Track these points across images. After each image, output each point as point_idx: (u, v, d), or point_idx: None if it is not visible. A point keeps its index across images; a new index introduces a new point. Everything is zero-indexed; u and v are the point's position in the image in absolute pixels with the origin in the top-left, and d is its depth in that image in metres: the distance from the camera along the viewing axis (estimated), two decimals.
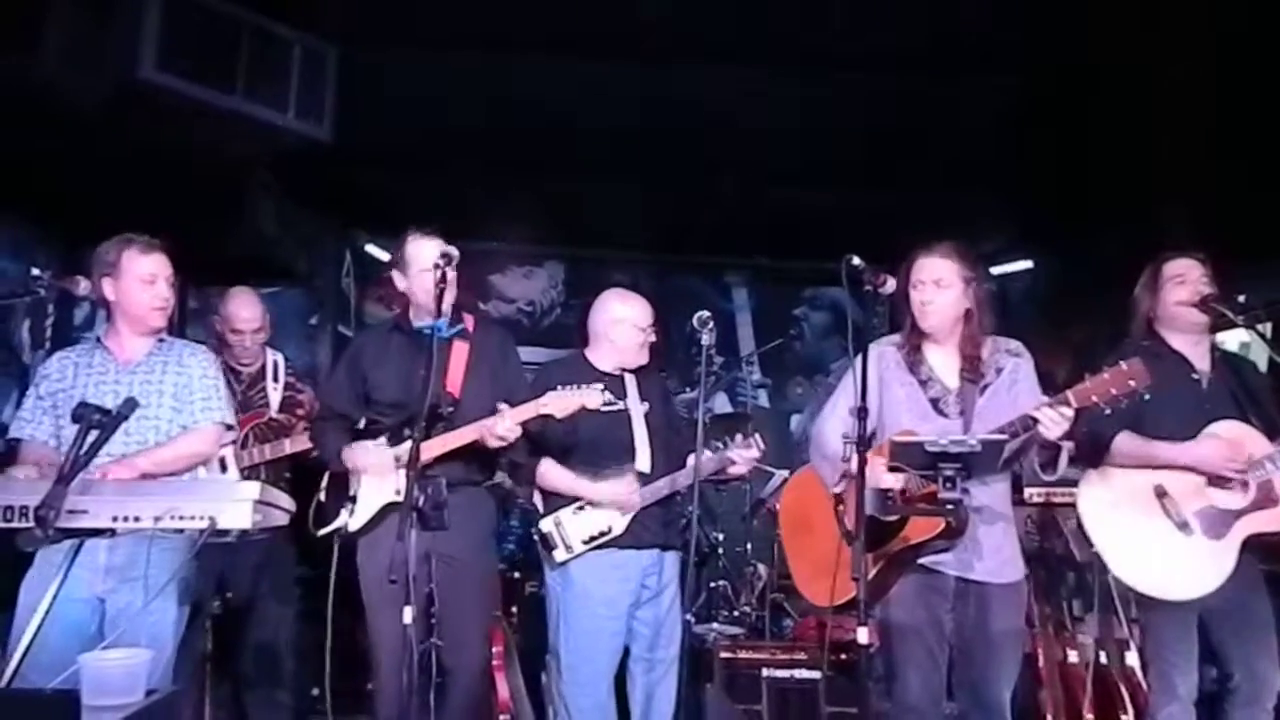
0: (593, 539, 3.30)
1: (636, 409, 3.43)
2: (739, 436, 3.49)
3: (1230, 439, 2.88)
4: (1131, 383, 2.47)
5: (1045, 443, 2.65)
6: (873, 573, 2.69)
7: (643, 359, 3.48)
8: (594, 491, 3.30)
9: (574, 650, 3.29)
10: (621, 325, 3.43)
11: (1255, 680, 2.86)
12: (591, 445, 3.34)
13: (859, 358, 2.65)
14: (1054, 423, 2.53)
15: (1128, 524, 2.94)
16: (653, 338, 3.47)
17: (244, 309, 3.95)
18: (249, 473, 3.71)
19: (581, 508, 3.33)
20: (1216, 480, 2.88)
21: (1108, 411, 2.55)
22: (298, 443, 3.82)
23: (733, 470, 3.48)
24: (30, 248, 4.68)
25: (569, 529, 3.32)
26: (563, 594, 3.33)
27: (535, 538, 3.42)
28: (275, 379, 4.01)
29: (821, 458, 2.96)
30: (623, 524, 3.30)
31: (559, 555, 3.31)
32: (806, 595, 3.04)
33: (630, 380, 3.47)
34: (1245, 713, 2.86)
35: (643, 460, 3.37)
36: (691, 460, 3.37)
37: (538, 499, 3.46)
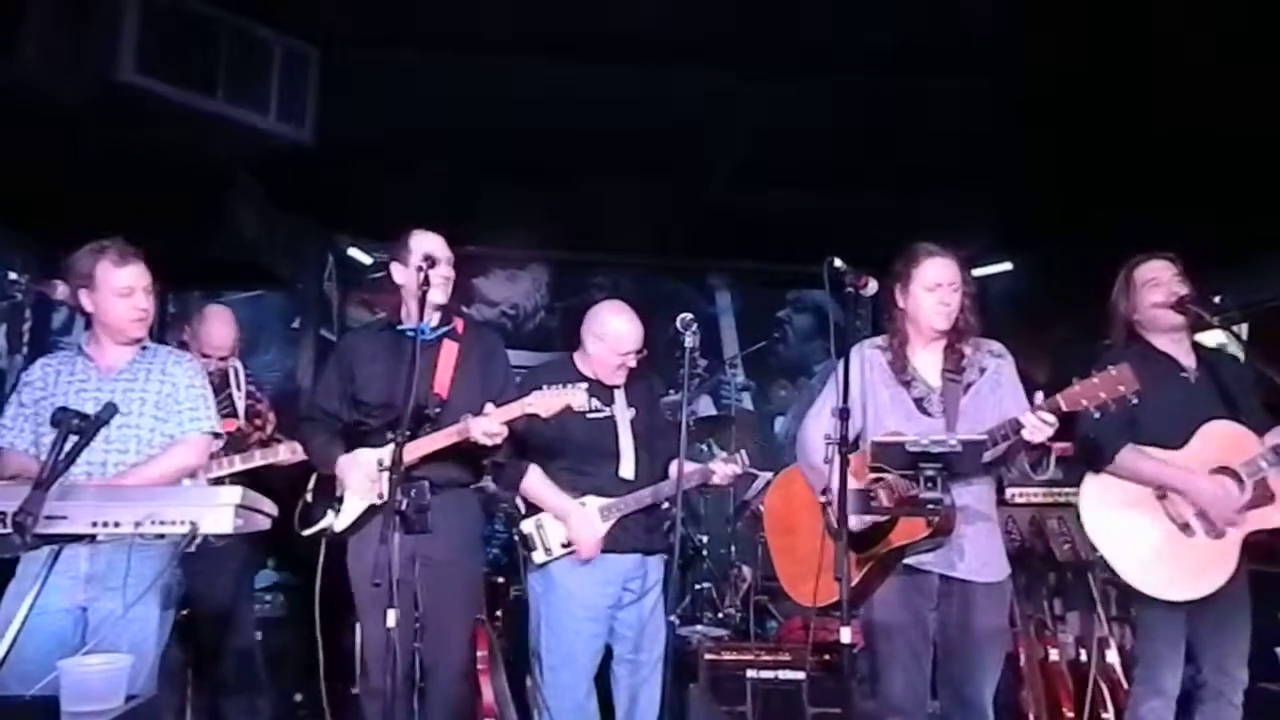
0: (571, 543, 3.31)
1: (623, 415, 3.43)
2: (724, 451, 3.50)
3: (1222, 441, 2.89)
4: (1121, 388, 2.50)
5: (1032, 445, 2.67)
6: (858, 576, 2.71)
7: (616, 379, 3.44)
8: (565, 517, 3.30)
9: (554, 651, 3.30)
10: (600, 343, 3.39)
11: (1223, 676, 2.91)
12: (577, 450, 3.35)
13: (842, 359, 2.66)
14: (1038, 428, 2.56)
15: (1130, 526, 2.95)
16: (631, 363, 3.40)
17: (218, 333, 3.89)
18: (218, 484, 3.65)
19: None
20: (1215, 474, 2.89)
21: (1097, 416, 2.58)
22: (268, 454, 3.75)
23: (714, 481, 3.49)
24: (7, 251, 4.63)
25: (549, 532, 3.34)
26: (544, 595, 3.35)
27: (516, 538, 3.43)
28: (238, 387, 3.97)
29: (805, 461, 2.98)
30: (603, 529, 3.31)
31: (538, 557, 3.33)
32: (792, 596, 3.06)
33: (619, 386, 3.46)
34: (1212, 706, 2.91)
35: (626, 467, 3.37)
36: (673, 469, 3.40)
37: (520, 500, 3.46)
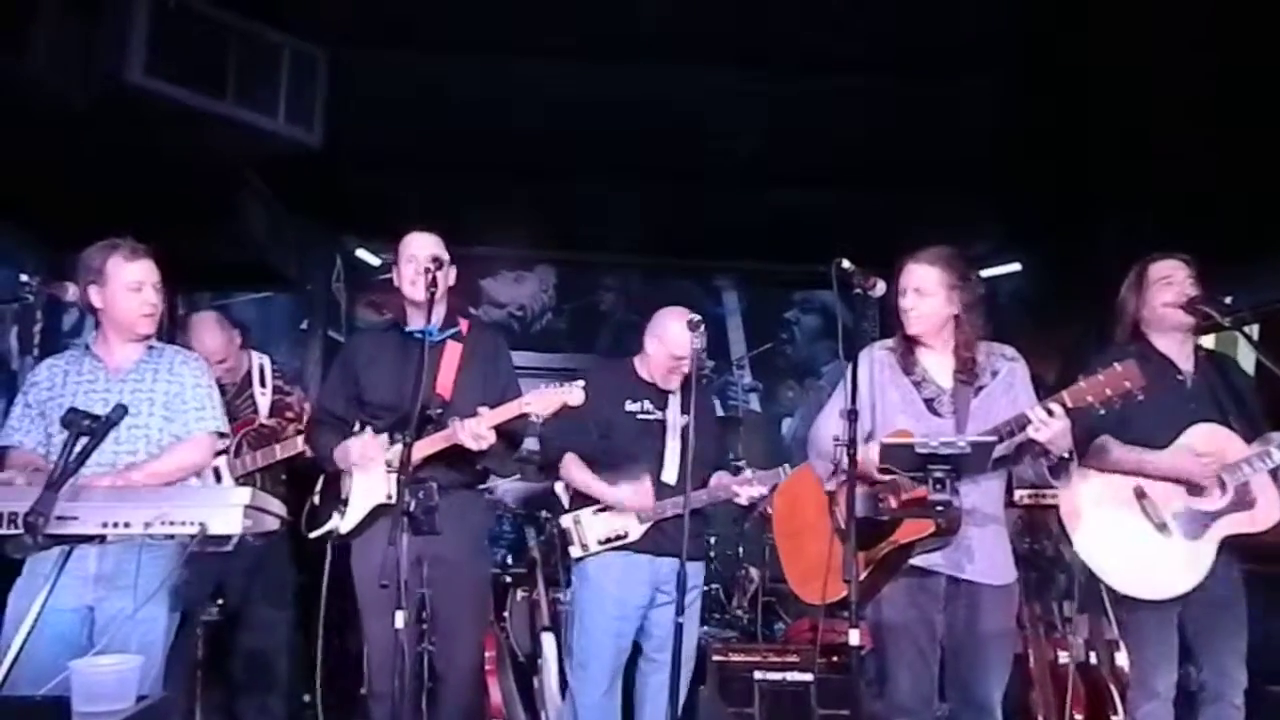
0: (607, 540, 3.36)
1: (674, 420, 3.44)
2: (730, 453, 3.52)
3: (1206, 444, 2.90)
4: (1126, 384, 2.50)
5: (1045, 449, 2.66)
6: (864, 574, 2.70)
7: (671, 384, 3.46)
8: (609, 495, 3.34)
9: (583, 647, 3.37)
10: (658, 345, 3.42)
11: (1222, 677, 2.91)
12: (622, 451, 3.38)
13: (851, 361, 2.65)
14: (1044, 423, 2.55)
15: (1107, 524, 2.97)
16: (685, 369, 3.40)
17: (207, 340, 3.84)
18: (244, 480, 3.68)
19: (603, 509, 3.38)
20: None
21: (1102, 413, 2.57)
22: (288, 447, 3.78)
23: (737, 501, 3.48)
24: (18, 253, 4.65)
25: (586, 527, 3.39)
26: (579, 590, 3.43)
27: (555, 532, 3.47)
28: (262, 384, 3.97)
29: (818, 457, 2.98)
30: (639, 530, 3.35)
31: (574, 552, 3.40)
32: (800, 596, 3.05)
33: (674, 391, 3.48)
34: (1213, 709, 2.91)
35: (669, 471, 3.39)
36: (712, 480, 3.48)
37: (562, 493, 3.51)
